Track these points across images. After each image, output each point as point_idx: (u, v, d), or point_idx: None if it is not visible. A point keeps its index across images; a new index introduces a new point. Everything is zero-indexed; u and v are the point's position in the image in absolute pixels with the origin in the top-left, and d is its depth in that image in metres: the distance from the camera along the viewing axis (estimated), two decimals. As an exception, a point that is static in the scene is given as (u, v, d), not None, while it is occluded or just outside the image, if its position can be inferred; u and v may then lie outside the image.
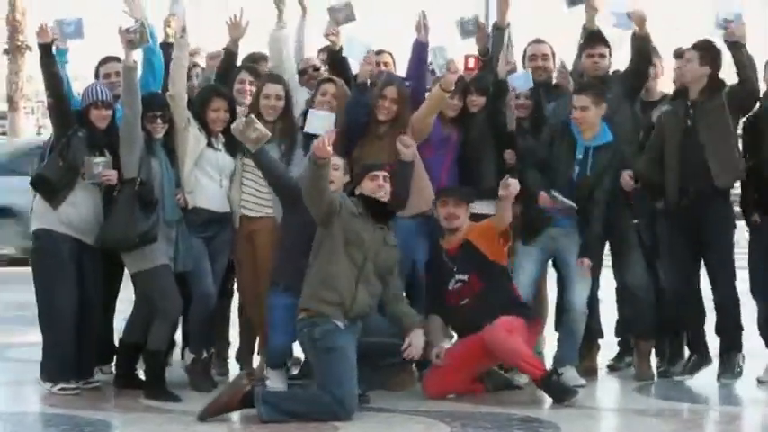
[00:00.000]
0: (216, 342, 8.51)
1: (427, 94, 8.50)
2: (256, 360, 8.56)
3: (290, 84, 8.56)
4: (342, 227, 7.49)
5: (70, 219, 7.83)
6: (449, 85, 8.22)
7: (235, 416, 7.27)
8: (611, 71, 8.87)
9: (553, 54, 9.14)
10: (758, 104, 8.45)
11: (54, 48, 7.95)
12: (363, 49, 8.48)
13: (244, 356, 8.65)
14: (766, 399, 8.26)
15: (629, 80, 8.71)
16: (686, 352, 8.73)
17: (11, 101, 33.88)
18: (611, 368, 9.01)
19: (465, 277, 8.02)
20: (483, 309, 7.88)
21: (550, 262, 8.67)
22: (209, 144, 8.17)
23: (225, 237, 8.25)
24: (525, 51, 9.15)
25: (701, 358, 8.47)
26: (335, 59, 8.87)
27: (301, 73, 9.12)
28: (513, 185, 7.81)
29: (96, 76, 8.43)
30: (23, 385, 8.36)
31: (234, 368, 8.68)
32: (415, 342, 7.58)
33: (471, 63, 8.76)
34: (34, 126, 44.61)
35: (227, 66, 8.81)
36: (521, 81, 8.69)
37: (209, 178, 8.17)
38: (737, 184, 8.60)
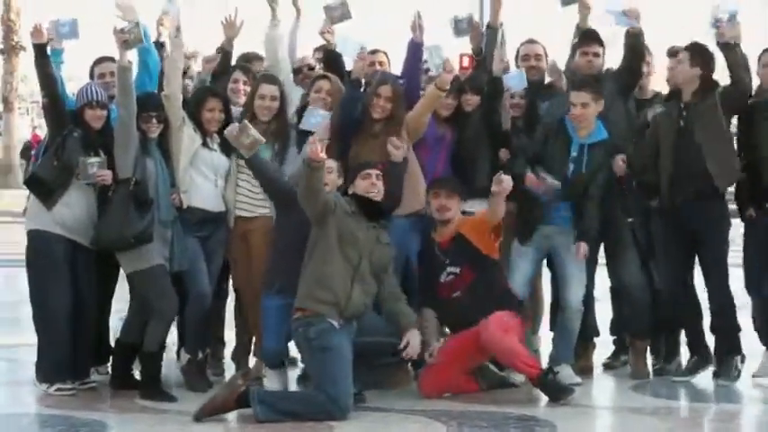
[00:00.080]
0: (211, 342, 8.51)
1: (422, 92, 8.51)
2: (252, 360, 8.56)
3: (285, 83, 8.56)
4: (336, 226, 7.50)
5: (64, 219, 7.83)
6: (444, 85, 8.22)
7: (230, 416, 7.27)
8: (603, 69, 8.89)
9: (546, 54, 9.16)
10: (752, 100, 8.45)
11: (49, 48, 7.94)
12: (357, 46, 8.50)
13: (239, 356, 8.65)
14: (762, 396, 8.26)
15: (622, 78, 8.72)
16: (682, 350, 8.74)
17: (5, 101, 33.92)
18: (607, 366, 9.00)
19: (457, 270, 8.03)
20: (475, 301, 7.90)
21: (545, 261, 8.68)
22: (204, 144, 8.17)
23: (220, 236, 8.25)
24: (518, 51, 9.16)
25: (701, 359, 8.46)
26: (330, 57, 8.89)
27: (296, 72, 9.14)
28: (506, 181, 7.82)
29: (91, 76, 8.43)
30: (19, 386, 8.35)
31: (229, 368, 8.68)
32: (412, 342, 7.58)
33: (466, 62, 8.78)
34: (29, 126, 44.67)
35: (222, 65, 8.81)
36: (515, 81, 8.70)
37: (204, 178, 8.16)
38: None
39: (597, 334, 9.03)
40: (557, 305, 8.60)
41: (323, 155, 7.31)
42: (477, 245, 8.00)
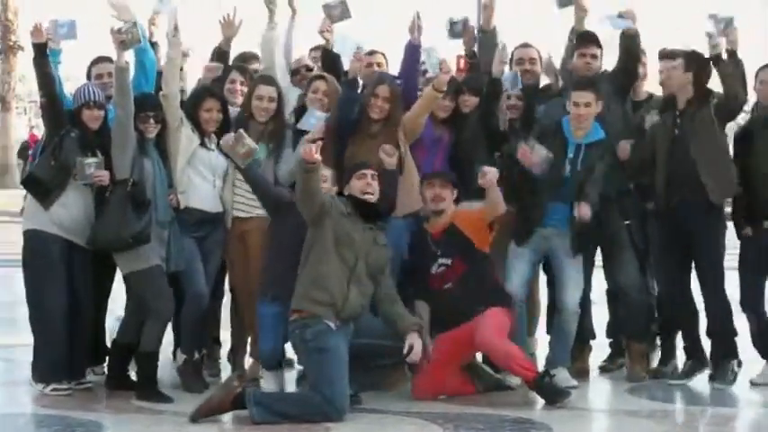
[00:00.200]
0: (207, 343, 8.51)
1: (419, 93, 8.51)
2: (248, 361, 8.55)
3: (282, 83, 8.56)
4: (332, 227, 7.49)
5: (61, 219, 7.82)
6: (441, 86, 8.22)
7: (226, 417, 7.27)
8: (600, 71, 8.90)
9: (540, 58, 9.16)
10: (749, 115, 8.44)
11: (48, 48, 7.94)
12: (354, 46, 8.50)
13: (236, 357, 8.65)
14: (759, 400, 8.25)
15: (618, 79, 8.73)
16: (678, 353, 8.74)
17: (3, 100, 33.91)
18: (603, 369, 9.00)
19: (448, 261, 8.03)
20: (466, 293, 7.91)
21: (541, 265, 8.68)
22: (202, 144, 8.17)
23: (217, 237, 8.24)
24: (513, 55, 9.14)
25: (698, 363, 8.46)
26: (328, 57, 8.88)
27: (294, 72, 9.13)
28: (490, 173, 7.84)
29: (88, 76, 8.42)
30: (15, 386, 8.34)
31: (225, 369, 8.67)
32: (415, 346, 7.54)
33: (461, 64, 8.80)
34: (26, 126, 44.63)
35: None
36: (508, 82, 8.72)
37: (202, 178, 8.16)
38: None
39: (593, 337, 9.03)
40: (553, 308, 8.60)
41: (317, 156, 7.30)
42: (471, 238, 8.01)
